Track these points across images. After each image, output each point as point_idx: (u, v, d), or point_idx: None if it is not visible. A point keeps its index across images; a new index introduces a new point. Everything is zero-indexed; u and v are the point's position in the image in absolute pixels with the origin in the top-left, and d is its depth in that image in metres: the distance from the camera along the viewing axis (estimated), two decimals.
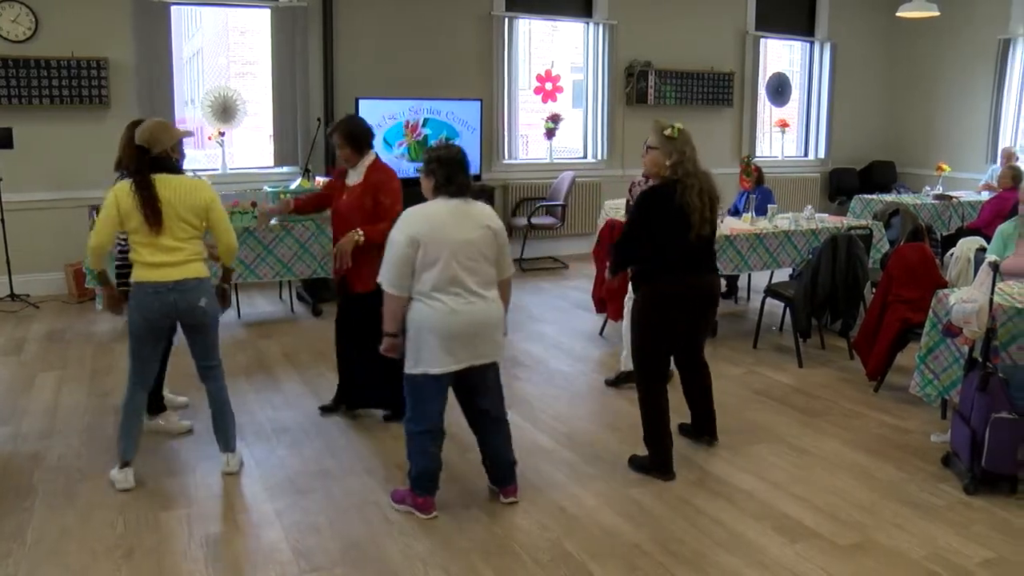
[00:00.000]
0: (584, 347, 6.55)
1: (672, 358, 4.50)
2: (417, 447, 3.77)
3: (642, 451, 4.34)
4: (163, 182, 3.92)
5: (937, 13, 8.94)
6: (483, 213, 3.73)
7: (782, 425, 5.00)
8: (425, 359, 3.63)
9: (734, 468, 4.38)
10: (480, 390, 3.85)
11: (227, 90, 8.45)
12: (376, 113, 8.51)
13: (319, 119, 8.51)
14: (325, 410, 5.06)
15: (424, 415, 3.73)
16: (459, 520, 3.79)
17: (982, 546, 3.64)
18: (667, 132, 4.13)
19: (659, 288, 4.18)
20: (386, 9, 8.91)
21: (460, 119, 8.98)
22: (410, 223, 3.61)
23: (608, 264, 4.50)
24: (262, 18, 8.65)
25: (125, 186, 3.90)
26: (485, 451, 3.98)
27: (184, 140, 4.27)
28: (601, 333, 6.80)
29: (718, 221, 4.62)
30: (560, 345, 6.53)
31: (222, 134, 8.39)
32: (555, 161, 10.16)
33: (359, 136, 4.65)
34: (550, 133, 10.00)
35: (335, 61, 8.71)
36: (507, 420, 3.97)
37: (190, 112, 8.98)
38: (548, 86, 10.21)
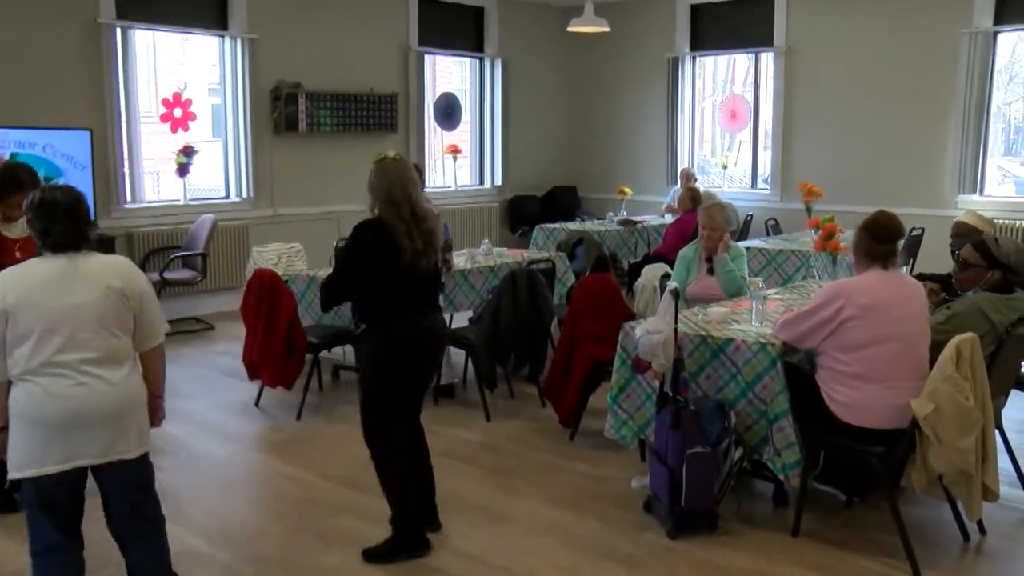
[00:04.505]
0: (238, 423, 6.39)
1: None
2: (39, 573, 3.43)
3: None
4: None
5: (607, 29, 9.78)
6: (104, 270, 3.43)
7: (472, 489, 5.15)
8: (19, 459, 3.32)
9: None
10: (115, 495, 3.51)
11: None
12: None
13: None
14: None
15: (38, 532, 3.39)
16: None
17: None
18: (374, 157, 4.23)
19: (395, 326, 4.19)
20: None
21: (63, 153, 8.44)
22: None
23: (320, 300, 4.45)
24: None
25: None
26: (129, 568, 3.63)
27: None
28: (257, 404, 6.65)
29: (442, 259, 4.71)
30: (208, 423, 6.30)
31: None
32: (191, 202, 9.85)
33: None
34: (183, 169, 9.69)
35: None
36: (161, 531, 3.66)
37: None
38: (178, 112, 9.91)
